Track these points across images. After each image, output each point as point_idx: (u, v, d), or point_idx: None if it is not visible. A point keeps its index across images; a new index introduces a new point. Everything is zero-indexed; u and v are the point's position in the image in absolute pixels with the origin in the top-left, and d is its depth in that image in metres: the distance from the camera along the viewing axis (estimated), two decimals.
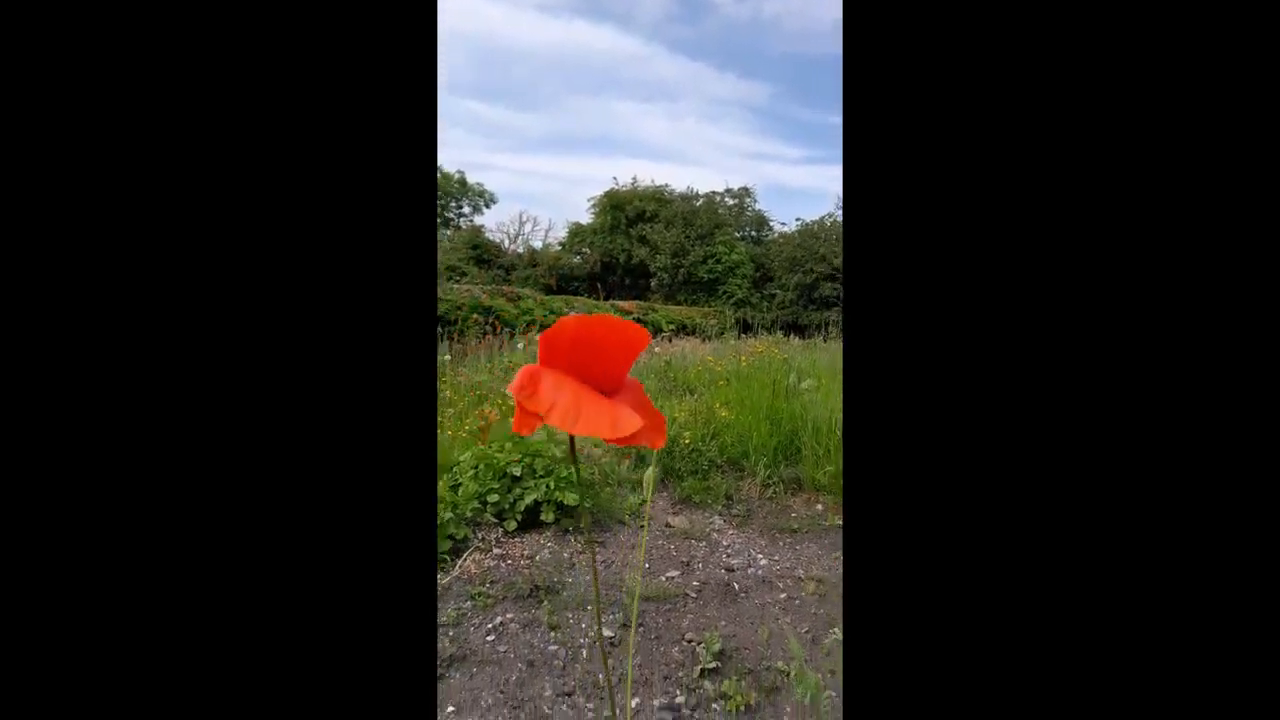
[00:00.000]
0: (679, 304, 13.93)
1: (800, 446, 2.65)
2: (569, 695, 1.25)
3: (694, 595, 1.67)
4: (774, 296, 14.64)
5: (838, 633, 1.53)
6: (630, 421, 0.27)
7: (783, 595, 1.69)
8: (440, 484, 2.04)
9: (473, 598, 1.60)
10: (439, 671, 1.30)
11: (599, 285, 13.98)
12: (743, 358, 3.93)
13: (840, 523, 2.22)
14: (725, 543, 2.05)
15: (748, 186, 18.31)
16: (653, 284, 15.74)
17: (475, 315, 6.68)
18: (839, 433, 2.62)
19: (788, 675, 1.32)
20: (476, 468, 2.12)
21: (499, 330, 5.50)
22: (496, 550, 1.88)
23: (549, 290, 13.60)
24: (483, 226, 18.29)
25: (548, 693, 1.25)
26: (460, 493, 2.01)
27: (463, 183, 18.74)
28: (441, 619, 1.50)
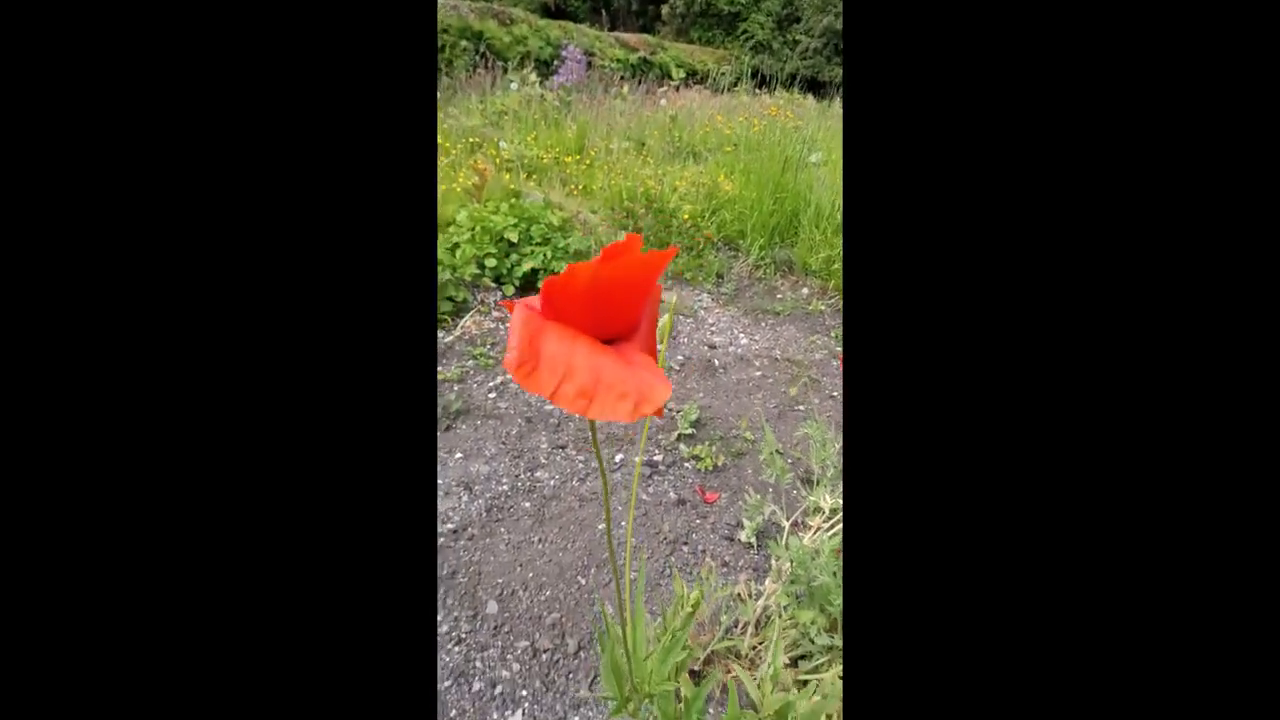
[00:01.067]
0: (691, 42, 12.38)
1: (798, 228, 2.63)
2: (562, 448, 1.44)
3: (677, 368, 1.82)
4: (797, 44, 12.99)
5: (802, 409, 1.72)
6: (655, 396, 0.23)
7: (757, 374, 1.85)
8: (438, 243, 2.05)
9: (474, 358, 1.73)
10: (446, 424, 1.47)
11: (603, 11, 12.21)
12: (755, 121, 3.65)
13: (823, 308, 2.32)
14: (711, 320, 2.16)
15: None
16: (664, 12, 13.77)
17: (464, 43, 5.95)
18: (839, 216, 2.59)
19: (752, 444, 1.52)
20: (473, 230, 2.11)
21: (490, 64, 4.96)
22: (495, 313, 1.98)
23: (546, 12, 11.91)
24: None
25: (544, 445, 1.44)
26: (458, 255, 2.03)
27: None
28: (445, 376, 1.65)
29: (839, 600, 0.88)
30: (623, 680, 0.38)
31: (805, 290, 2.45)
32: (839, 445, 1.18)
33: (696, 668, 0.98)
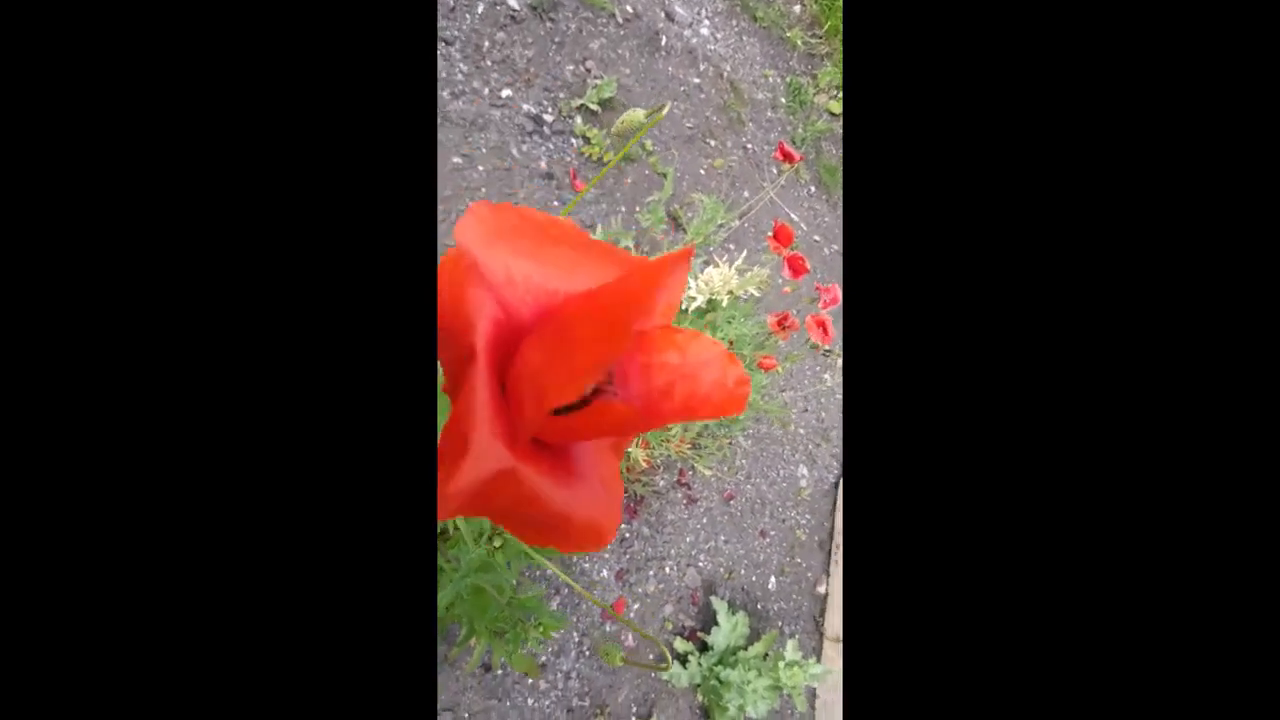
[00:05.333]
0: None
1: None
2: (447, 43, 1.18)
3: (622, 22, 1.51)
4: None
5: (714, 144, 1.61)
6: (602, 537, 0.20)
7: (695, 80, 1.64)
8: None
9: None
10: None
11: None
12: None
13: (798, 42, 2.03)
14: None
15: None
16: None
17: None
18: None
19: (646, 155, 1.41)
20: None
21: None
22: None
23: None
24: None
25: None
26: None
27: None
28: None
29: None
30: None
31: (798, 9, 2.08)
32: (720, 222, 1.15)
33: None
